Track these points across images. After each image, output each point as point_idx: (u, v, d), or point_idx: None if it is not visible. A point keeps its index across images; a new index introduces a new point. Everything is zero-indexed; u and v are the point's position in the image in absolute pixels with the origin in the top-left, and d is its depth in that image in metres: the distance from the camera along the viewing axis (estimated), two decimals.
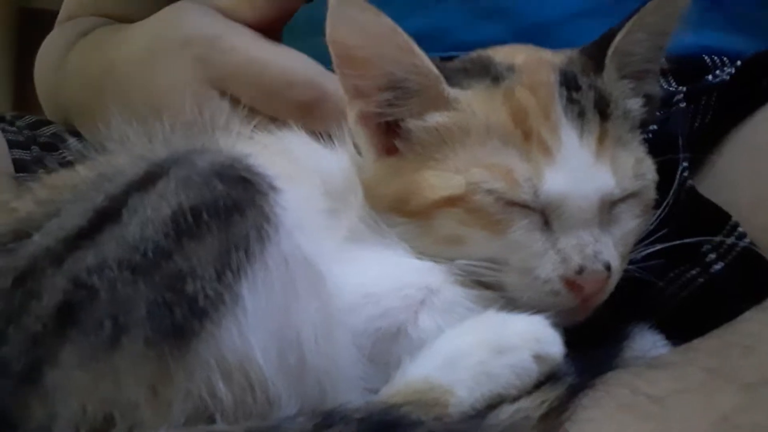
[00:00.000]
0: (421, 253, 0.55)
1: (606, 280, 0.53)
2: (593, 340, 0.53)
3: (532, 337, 0.50)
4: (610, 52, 0.57)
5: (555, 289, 0.52)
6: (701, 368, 0.48)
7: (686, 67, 0.71)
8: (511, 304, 0.53)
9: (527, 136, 0.53)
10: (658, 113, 0.63)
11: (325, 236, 0.52)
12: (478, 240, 0.53)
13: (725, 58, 0.73)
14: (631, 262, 0.56)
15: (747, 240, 0.55)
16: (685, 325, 0.54)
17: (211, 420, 0.42)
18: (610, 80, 0.57)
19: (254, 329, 0.43)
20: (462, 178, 0.53)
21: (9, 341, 0.41)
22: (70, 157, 0.51)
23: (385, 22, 0.53)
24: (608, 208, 0.54)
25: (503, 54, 0.59)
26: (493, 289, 0.54)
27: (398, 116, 0.56)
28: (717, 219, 0.57)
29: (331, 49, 0.55)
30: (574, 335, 0.51)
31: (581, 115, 0.54)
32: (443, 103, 0.55)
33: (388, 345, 0.51)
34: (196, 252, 0.42)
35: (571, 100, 0.54)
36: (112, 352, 0.41)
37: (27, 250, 0.43)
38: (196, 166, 0.45)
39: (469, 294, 0.53)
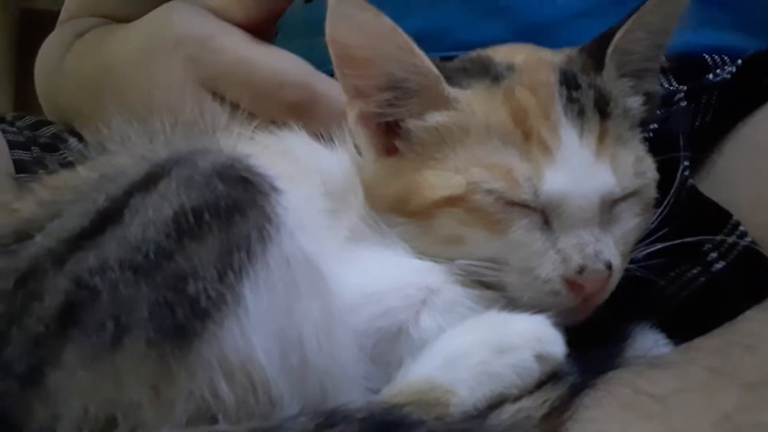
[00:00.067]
0: (422, 253, 0.55)
1: (607, 280, 0.53)
2: (594, 340, 0.53)
3: (533, 337, 0.50)
4: (609, 50, 0.57)
5: (555, 289, 0.52)
6: (703, 367, 0.48)
7: (687, 65, 0.71)
8: (512, 303, 0.53)
9: (527, 136, 0.53)
10: (658, 112, 0.63)
11: (326, 236, 0.52)
12: (478, 240, 0.53)
13: (726, 57, 0.73)
14: (632, 261, 0.56)
15: (748, 239, 0.55)
16: (686, 324, 0.54)
17: (214, 420, 0.42)
18: (610, 79, 0.57)
19: (256, 329, 0.42)
20: (462, 178, 0.53)
21: (11, 342, 0.41)
22: (70, 158, 0.51)
23: (384, 21, 0.54)
24: (609, 207, 0.54)
25: (503, 53, 0.59)
26: (494, 288, 0.54)
27: (398, 116, 0.56)
28: (718, 218, 0.57)
29: (330, 49, 0.55)
30: (575, 335, 0.51)
31: (581, 114, 0.54)
32: (443, 103, 0.55)
33: (389, 345, 0.51)
34: (198, 252, 0.42)
35: (570, 99, 0.54)
36: (114, 352, 0.41)
37: (28, 251, 0.43)
38: (197, 167, 0.45)
39: (469, 294, 0.53)
